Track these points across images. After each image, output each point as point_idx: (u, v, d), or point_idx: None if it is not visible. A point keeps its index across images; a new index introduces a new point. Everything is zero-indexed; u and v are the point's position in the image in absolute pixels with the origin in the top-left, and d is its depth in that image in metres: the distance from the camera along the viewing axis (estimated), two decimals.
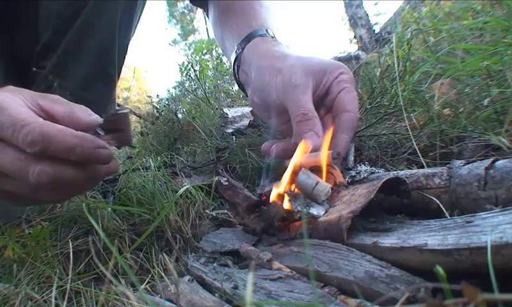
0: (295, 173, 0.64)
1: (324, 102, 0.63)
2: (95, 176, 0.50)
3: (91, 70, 0.98)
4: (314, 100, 0.61)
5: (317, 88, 0.62)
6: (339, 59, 2.47)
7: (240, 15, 0.85)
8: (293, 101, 0.60)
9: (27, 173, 0.44)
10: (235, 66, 0.81)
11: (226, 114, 1.46)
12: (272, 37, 0.77)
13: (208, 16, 1.06)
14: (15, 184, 0.47)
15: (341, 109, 0.60)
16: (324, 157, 0.61)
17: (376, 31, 4.98)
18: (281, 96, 0.62)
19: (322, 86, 0.62)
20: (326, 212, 0.58)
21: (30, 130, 0.43)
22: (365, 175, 0.69)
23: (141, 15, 1.12)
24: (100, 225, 0.77)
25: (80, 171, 0.47)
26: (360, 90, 1.30)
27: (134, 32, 1.12)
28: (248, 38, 0.76)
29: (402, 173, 0.63)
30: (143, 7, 1.12)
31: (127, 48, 1.10)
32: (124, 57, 1.09)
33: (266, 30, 0.77)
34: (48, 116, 0.49)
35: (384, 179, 0.55)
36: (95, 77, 0.99)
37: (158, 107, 2.09)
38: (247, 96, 0.82)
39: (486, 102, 0.78)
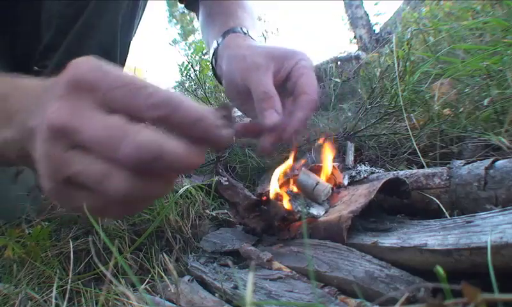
0: (288, 174, 0.64)
1: (285, 86, 0.67)
2: (192, 162, 0.38)
3: None
4: (276, 83, 0.65)
5: (278, 72, 0.66)
6: (339, 59, 2.47)
7: (223, 16, 0.90)
8: (255, 82, 0.64)
9: (119, 142, 0.35)
10: (213, 61, 0.85)
11: None
12: (245, 33, 0.82)
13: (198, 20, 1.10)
14: (91, 163, 0.37)
15: (300, 92, 0.64)
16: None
17: (376, 31, 4.97)
18: (245, 79, 0.66)
19: (283, 71, 0.66)
20: (326, 212, 0.58)
21: (153, 92, 0.37)
22: (365, 175, 0.69)
23: (142, 14, 1.12)
24: (100, 225, 0.77)
25: (186, 152, 0.37)
26: (360, 90, 1.31)
27: (135, 32, 1.12)
28: (224, 35, 0.82)
29: (402, 173, 0.63)
30: (145, 7, 1.12)
31: (129, 48, 1.10)
32: (126, 57, 1.09)
33: (241, 28, 0.82)
34: None
35: (385, 179, 0.55)
36: None
37: None
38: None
39: (486, 102, 0.78)
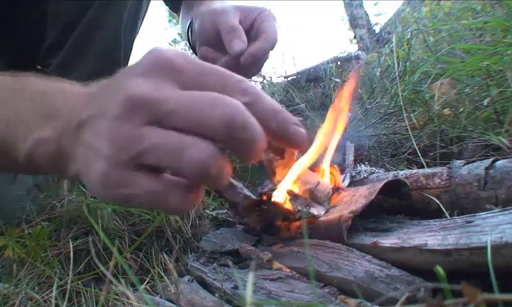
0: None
1: (250, 35, 0.75)
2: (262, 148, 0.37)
3: (97, 67, 0.99)
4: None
5: (244, 21, 0.75)
6: (339, 59, 2.46)
7: (201, 5, 0.98)
8: (223, 21, 0.73)
9: (212, 106, 0.34)
10: (189, 32, 0.93)
11: None
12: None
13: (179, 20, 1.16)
14: (169, 135, 0.34)
15: (261, 32, 0.73)
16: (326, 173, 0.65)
17: (376, 31, 4.97)
18: (214, 22, 0.75)
19: (248, 19, 0.75)
20: (326, 212, 0.58)
21: (242, 79, 0.36)
22: (365, 175, 0.69)
23: (145, 14, 1.13)
24: (100, 225, 0.77)
25: (263, 135, 0.35)
26: (360, 90, 1.31)
27: (138, 31, 1.13)
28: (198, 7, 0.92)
29: (402, 173, 0.63)
30: (148, 6, 1.13)
31: (132, 46, 1.11)
32: (129, 55, 1.10)
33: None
34: None
35: (385, 181, 0.55)
36: (101, 74, 1.00)
37: None
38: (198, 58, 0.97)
39: (486, 102, 0.78)
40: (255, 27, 0.74)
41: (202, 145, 0.34)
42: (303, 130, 0.38)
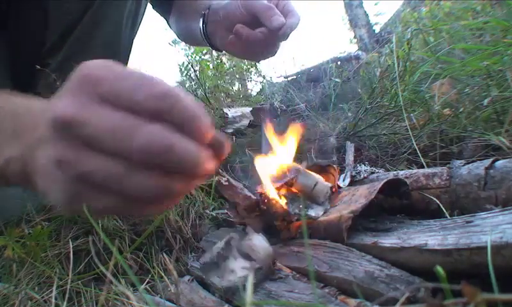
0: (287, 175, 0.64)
1: None
2: (199, 158, 0.38)
3: None
4: None
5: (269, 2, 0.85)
6: (339, 59, 2.47)
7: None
8: (258, 3, 0.84)
9: (131, 135, 0.35)
10: (203, 27, 1.00)
11: (226, 114, 1.46)
12: None
13: (169, 24, 1.21)
14: (105, 160, 0.36)
15: (286, 12, 0.84)
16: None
17: (376, 31, 4.97)
18: (246, 5, 0.85)
19: (272, 2, 0.85)
20: (325, 213, 0.58)
21: (157, 83, 0.36)
22: (365, 175, 0.69)
23: (144, 12, 1.14)
24: (100, 225, 0.77)
25: (196, 148, 0.37)
26: (360, 90, 1.31)
27: (137, 29, 1.13)
28: (210, 6, 0.98)
29: (402, 172, 0.63)
30: (146, 6, 1.13)
31: (131, 46, 1.11)
32: (129, 55, 1.10)
33: None
34: None
35: (385, 180, 0.55)
36: None
37: None
38: (212, 47, 1.04)
39: (486, 102, 0.78)
40: (279, 8, 0.84)
41: (138, 175, 0.36)
42: (222, 135, 0.41)
